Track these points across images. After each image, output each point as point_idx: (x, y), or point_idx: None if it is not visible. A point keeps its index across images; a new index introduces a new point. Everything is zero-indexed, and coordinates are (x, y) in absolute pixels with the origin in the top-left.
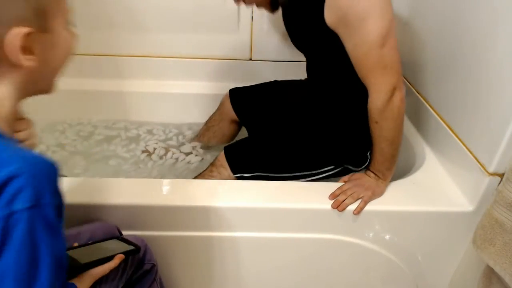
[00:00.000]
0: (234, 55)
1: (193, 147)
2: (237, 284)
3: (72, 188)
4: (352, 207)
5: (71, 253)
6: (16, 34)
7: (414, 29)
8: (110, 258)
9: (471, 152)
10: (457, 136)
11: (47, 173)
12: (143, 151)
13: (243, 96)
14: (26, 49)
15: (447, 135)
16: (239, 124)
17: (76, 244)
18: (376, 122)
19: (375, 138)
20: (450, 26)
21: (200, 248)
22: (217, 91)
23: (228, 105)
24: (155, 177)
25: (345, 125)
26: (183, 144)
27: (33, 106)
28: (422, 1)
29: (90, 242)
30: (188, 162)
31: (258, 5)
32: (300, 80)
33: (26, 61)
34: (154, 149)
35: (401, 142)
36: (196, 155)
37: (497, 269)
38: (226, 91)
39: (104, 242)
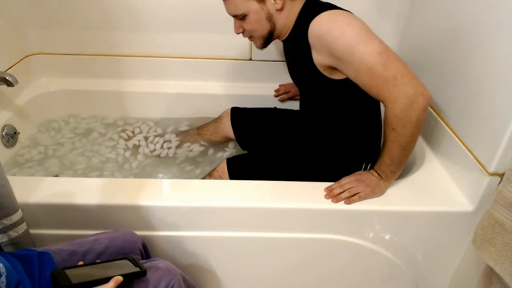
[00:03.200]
0: (234, 55)
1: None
2: (237, 284)
3: (70, 188)
4: (354, 207)
5: (68, 271)
6: None
7: (414, 29)
8: (107, 280)
9: (471, 152)
10: (457, 136)
11: None
12: (125, 139)
13: (243, 118)
14: None
15: (447, 135)
16: (230, 141)
17: (81, 263)
18: (393, 129)
19: (388, 143)
20: (450, 26)
21: (200, 248)
22: (217, 91)
23: (227, 122)
24: (146, 172)
25: (336, 152)
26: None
27: (33, 105)
28: (423, 2)
29: (98, 261)
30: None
31: (254, 38)
32: (297, 111)
33: None
34: (154, 150)
35: (413, 149)
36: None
37: (497, 269)
38: (226, 91)
39: (112, 262)
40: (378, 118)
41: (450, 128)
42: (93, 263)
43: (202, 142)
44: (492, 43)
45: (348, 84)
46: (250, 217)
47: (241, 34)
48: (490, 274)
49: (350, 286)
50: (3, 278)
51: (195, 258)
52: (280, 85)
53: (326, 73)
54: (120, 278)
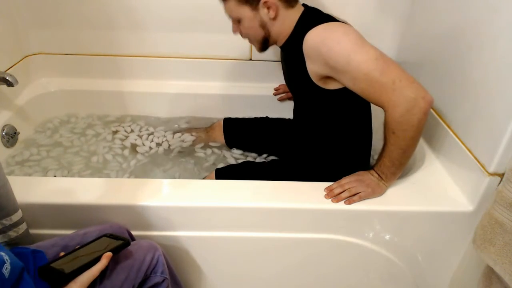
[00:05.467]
0: (234, 55)
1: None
2: (237, 284)
3: (70, 188)
4: (354, 207)
5: (55, 265)
6: None
7: (414, 29)
8: (97, 260)
9: (471, 152)
10: (457, 136)
11: None
12: (122, 139)
13: (236, 128)
14: None
15: (447, 135)
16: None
17: (62, 254)
18: (393, 133)
19: (388, 146)
20: (450, 26)
21: (200, 248)
22: (217, 91)
23: (219, 132)
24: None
25: (327, 161)
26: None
27: (33, 105)
28: (423, 2)
29: (77, 247)
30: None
31: (251, 41)
32: (289, 119)
33: None
34: (150, 148)
35: (414, 151)
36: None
37: (497, 269)
38: (226, 91)
39: (92, 243)
40: (369, 127)
41: (450, 128)
42: (73, 250)
43: (194, 133)
44: (492, 43)
45: (340, 94)
46: (250, 217)
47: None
48: (490, 274)
49: (350, 286)
50: (7, 265)
51: (194, 258)
52: (280, 85)
53: (320, 83)
54: (110, 254)
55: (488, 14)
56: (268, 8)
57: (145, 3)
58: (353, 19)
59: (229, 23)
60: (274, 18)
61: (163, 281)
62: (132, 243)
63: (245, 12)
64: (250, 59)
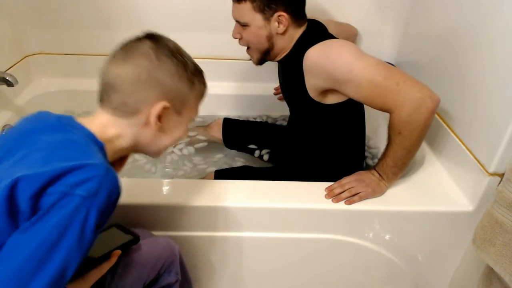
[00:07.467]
0: (234, 55)
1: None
2: (237, 284)
3: None
4: (354, 207)
5: None
6: (161, 104)
7: (414, 30)
8: (107, 256)
9: (471, 152)
10: (457, 136)
11: (112, 190)
12: None
13: (234, 129)
14: (159, 117)
15: (447, 135)
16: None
17: None
18: (400, 133)
19: (393, 146)
20: (451, 26)
21: (200, 248)
22: (217, 91)
23: (217, 131)
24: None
25: (320, 169)
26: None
27: (33, 105)
28: (422, 3)
29: None
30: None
31: (250, 51)
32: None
33: (155, 124)
34: None
35: (417, 151)
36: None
37: (497, 269)
38: (226, 91)
39: (101, 234)
40: (362, 138)
41: (450, 128)
42: None
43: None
44: (491, 44)
45: (337, 108)
46: (250, 217)
47: (237, 40)
48: (490, 274)
49: (350, 286)
50: None
51: (194, 258)
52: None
53: (318, 98)
54: (119, 252)
55: (487, 15)
56: (279, 22)
57: (145, 3)
58: (353, 20)
59: (230, 24)
60: (282, 34)
61: (175, 281)
62: (149, 239)
63: (257, 19)
64: (250, 59)
